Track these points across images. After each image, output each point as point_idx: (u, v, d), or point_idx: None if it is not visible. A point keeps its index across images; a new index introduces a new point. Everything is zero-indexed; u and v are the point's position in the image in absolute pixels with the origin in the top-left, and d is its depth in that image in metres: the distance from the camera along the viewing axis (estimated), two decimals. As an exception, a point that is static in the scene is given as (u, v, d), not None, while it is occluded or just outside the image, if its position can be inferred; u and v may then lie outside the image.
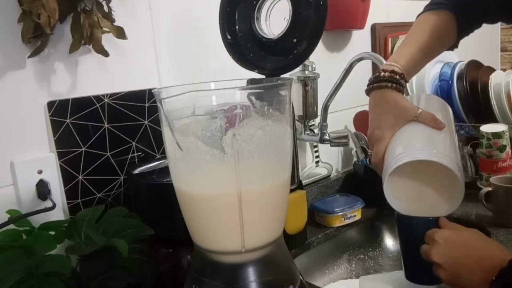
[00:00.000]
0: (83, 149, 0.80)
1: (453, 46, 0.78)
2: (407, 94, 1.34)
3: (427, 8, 0.76)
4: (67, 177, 0.79)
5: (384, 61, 1.00)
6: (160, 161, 0.82)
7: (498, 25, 2.08)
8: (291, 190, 0.90)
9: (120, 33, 0.78)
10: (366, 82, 0.70)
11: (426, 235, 0.60)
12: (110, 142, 0.83)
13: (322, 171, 1.26)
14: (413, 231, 0.63)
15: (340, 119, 1.30)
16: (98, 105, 0.81)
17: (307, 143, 1.22)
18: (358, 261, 1.10)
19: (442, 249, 0.57)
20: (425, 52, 0.73)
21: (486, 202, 1.04)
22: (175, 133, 0.53)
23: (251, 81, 0.69)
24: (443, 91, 1.31)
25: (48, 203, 0.74)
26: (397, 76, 0.68)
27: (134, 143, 0.86)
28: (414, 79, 1.34)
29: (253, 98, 0.55)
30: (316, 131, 1.13)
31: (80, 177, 0.80)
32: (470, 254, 0.56)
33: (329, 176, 1.28)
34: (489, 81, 1.24)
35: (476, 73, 1.28)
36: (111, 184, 0.84)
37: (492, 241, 0.60)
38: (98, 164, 0.82)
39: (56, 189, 0.78)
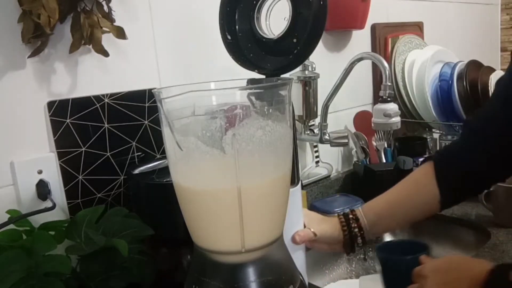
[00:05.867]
0: (83, 149, 0.80)
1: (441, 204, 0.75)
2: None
3: None
4: (67, 177, 0.79)
5: (384, 61, 1.00)
6: (160, 161, 0.82)
7: (498, 25, 2.08)
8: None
9: (120, 33, 0.78)
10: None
11: (414, 273, 0.62)
12: (110, 142, 0.83)
13: (322, 171, 1.26)
14: (400, 272, 0.64)
15: (340, 119, 1.30)
16: (98, 105, 0.81)
17: (307, 143, 1.22)
18: (358, 261, 1.10)
19: (434, 280, 0.58)
20: (402, 197, 0.78)
21: (486, 202, 1.04)
22: (175, 133, 0.53)
23: (251, 81, 0.69)
24: (443, 91, 1.31)
25: (48, 203, 0.74)
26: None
27: (134, 143, 0.86)
28: (414, 79, 1.34)
29: (253, 98, 0.55)
30: (316, 131, 1.13)
31: (80, 177, 0.80)
32: (461, 276, 0.57)
33: (329, 176, 1.28)
34: (489, 81, 1.24)
35: (476, 73, 1.28)
36: (111, 184, 0.84)
37: (472, 258, 0.61)
38: (98, 164, 0.82)
39: (56, 189, 0.78)
